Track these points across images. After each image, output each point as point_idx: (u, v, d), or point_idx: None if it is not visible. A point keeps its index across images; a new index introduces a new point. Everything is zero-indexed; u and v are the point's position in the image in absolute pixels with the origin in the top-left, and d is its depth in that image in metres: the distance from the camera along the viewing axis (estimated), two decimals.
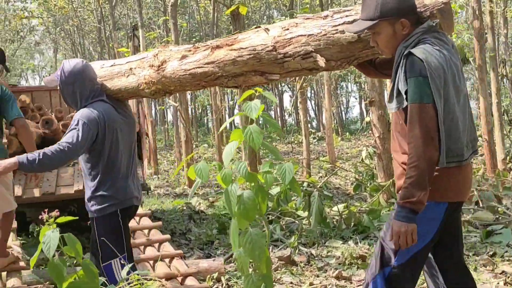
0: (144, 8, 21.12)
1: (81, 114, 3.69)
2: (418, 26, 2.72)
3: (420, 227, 2.65)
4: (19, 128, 4.71)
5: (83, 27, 28.89)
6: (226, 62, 3.37)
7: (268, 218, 7.53)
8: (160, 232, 5.45)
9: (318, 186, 8.25)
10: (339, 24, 2.97)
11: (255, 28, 3.37)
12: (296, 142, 23.76)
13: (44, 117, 7.37)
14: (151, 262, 4.79)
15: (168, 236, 5.32)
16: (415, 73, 2.59)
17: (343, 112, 42.15)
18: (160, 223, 5.64)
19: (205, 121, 43.86)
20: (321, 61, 3.00)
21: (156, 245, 5.10)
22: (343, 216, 7.12)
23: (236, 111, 40.61)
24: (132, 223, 5.59)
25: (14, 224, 5.35)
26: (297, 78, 12.94)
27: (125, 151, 3.87)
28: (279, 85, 37.30)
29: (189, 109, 23.79)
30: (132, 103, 7.79)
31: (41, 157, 3.51)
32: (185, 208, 9.20)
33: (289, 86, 35.22)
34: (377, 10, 2.71)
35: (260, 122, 4.02)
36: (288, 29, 3.17)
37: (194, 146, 19.14)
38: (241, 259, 2.39)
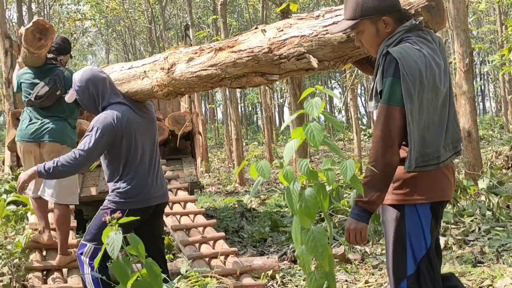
0: (193, 8, 21.29)
1: (97, 120, 3.81)
2: (402, 23, 2.66)
3: (415, 231, 2.65)
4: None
5: (134, 28, 29.33)
6: (228, 64, 3.43)
7: (320, 215, 7.49)
8: (215, 229, 5.48)
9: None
10: (329, 24, 2.96)
11: (254, 29, 3.38)
12: (346, 139, 23.56)
13: None
14: (207, 259, 4.83)
15: (222, 233, 5.34)
16: (390, 73, 2.55)
17: None
18: (214, 221, 5.66)
19: (255, 119, 43.96)
20: (314, 62, 3.00)
21: (211, 242, 5.14)
22: None
23: (285, 109, 40.59)
24: (187, 221, 5.65)
25: (74, 223, 5.47)
26: (347, 75, 12.87)
27: (145, 151, 3.96)
28: (328, 82, 37.10)
29: (239, 107, 23.92)
30: (184, 101, 7.88)
31: (56, 165, 3.70)
32: (236, 206, 9.24)
33: (339, 83, 34.97)
34: (358, 9, 2.68)
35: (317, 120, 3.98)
36: (282, 30, 3.18)
37: (244, 144, 19.21)
38: (303, 257, 2.38)
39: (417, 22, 2.63)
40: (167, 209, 5.30)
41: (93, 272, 3.70)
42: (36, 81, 5.03)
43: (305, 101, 2.49)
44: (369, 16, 2.66)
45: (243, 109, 31.48)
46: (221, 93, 21.04)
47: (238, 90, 22.47)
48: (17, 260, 4.83)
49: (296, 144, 2.40)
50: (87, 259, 3.81)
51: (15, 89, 5.42)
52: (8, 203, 5.20)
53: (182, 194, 6.09)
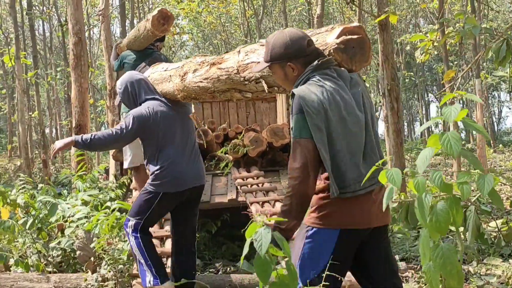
0: (289, 21, 21.42)
1: (134, 111, 4.46)
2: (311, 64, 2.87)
3: (314, 251, 2.81)
4: None
5: (230, 41, 29.83)
6: (214, 79, 3.82)
7: (418, 231, 7.30)
8: None
9: (472, 200, 7.86)
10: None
11: (238, 50, 3.63)
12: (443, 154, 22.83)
13: (200, 128, 7.67)
14: None
15: None
16: (295, 110, 2.75)
17: (495, 123, 40.04)
18: None
19: None
20: (265, 87, 3.29)
21: None
22: (501, 232, 6.72)
23: (380, 121, 39.91)
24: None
25: None
26: (447, 89, 12.49)
27: (178, 140, 4.47)
28: (425, 95, 36.24)
29: None
30: (283, 114, 7.91)
31: (93, 137, 4.30)
32: None
33: (436, 97, 34.08)
34: (269, 54, 2.97)
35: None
36: (247, 54, 3.44)
37: None
38: (430, 274, 2.28)
39: (320, 62, 2.83)
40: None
41: (134, 240, 4.40)
42: (138, 62, 5.75)
43: (444, 107, 2.40)
44: (276, 61, 2.95)
45: None
46: None
47: None
48: (121, 266, 4.99)
49: (431, 153, 2.31)
50: (130, 230, 4.44)
51: (115, 68, 6.41)
52: (112, 211, 5.41)
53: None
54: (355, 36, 2.85)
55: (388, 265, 3.03)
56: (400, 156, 8.83)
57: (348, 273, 3.06)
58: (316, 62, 2.84)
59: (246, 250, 2.34)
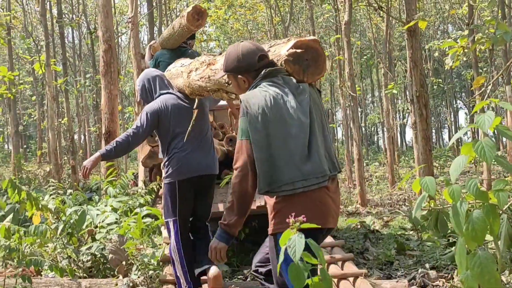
0: (316, 28, 21.39)
1: (147, 106, 4.78)
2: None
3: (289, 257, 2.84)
4: None
5: None
6: (207, 79, 4.05)
7: (449, 240, 7.22)
8: (342, 250, 5.41)
9: (504, 208, 7.75)
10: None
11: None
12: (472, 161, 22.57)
13: (228, 135, 7.68)
14: (335, 280, 4.77)
15: (351, 254, 5.27)
16: (240, 113, 3.00)
17: None
18: (342, 241, 5.61)
19: (375, 139, 43.29)
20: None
21: (339, 263, 5.08)
22: None
23: (407, 128, 39.66)
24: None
25: None
26: (477, 96, 12.35)
27: (194, 131, 4.67)
28: (454, 102, 35.87)
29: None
30: None
31: (116, 145, 4.61)
32: (359, 226, 9.09)
33: (465, 103, 33.72)
34: (225, 65, 3.28)
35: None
36: (202, 62, 3.90)
37: (364, 164, 18.93)
38: (467, 283, 2.26)
39: (267, 71, 3.08)
40: None
41: (174, 241, 4.61)
42: (173, 60, 5.76)
43: (477, 115, 2.38)
44: (230, 72, 3.25)
45: (363, 129, 31.08)
46: (342, 112, 20.90)
47: (359, 109, 22.25)
48: (152, 271, 5.02)
49: (465, 161, 2.29)
50: (173, 232, 4.66)
51: (151, 67, 6.43)
52: (142, 217, 5.46)
53: None
54: (299, 50, 3.07)
55: None
56: (429, 163, 8.75)
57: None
58: (263, 71, 3.09)
59: (281, 257, 2.34)
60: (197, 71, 4.31)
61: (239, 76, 3.19)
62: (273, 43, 3.31)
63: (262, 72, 3.09)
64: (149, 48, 7.13)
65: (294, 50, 3.07)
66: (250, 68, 3.15)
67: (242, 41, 3.31)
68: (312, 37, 3.17)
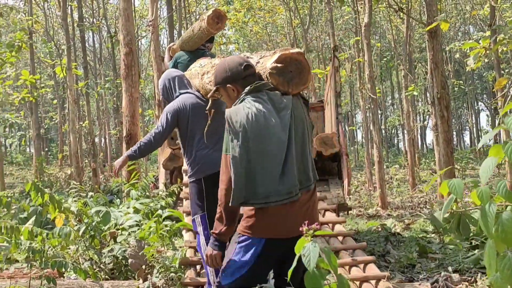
0: (335, 30, 21.34)
1: (167, 107, 4.94)
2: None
3: (238, 256, 3.16)
4: None
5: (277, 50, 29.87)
6: (212, 81, 4.07)
7: (471, 243, 7.16)
8: (364, 252, 5.38)
9: None
10: None
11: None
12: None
13: None
14: (358, 283, 4.75)
15: (373, 257, 5.24)
16: (226, 129, 3.19)
17: None
18: (364, 244, 5.58)
19: (395, 141, 43.06)
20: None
21: (361, 265, 5.05)
22: None
23: (428, 131, 39.40)
24: (336, 243, 5.60)
25: None
26: (498, 96, 12.25)
27: (209, 131, 4.67)
28: (475, 104, 35.57)
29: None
30: (331, 123, 7.87)
31: (141, 145, 4.87)
32: (380, 229, 9.03)
33: (486, 105, 33.42)
34: (214, 81, 3.50)
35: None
36: (213, 65, 4.05)
37: (384, 167, 18.83)
38: (497, 285, 2.23)
39: (253, 87, 3.24)
40: None
41: (203, 237, 4.64)
42: (191, 62, 5.82)
43: (506, 116, 2.35)
44: (219, 85, 3.45)
45: (383, 132, 30.92)
46: (362, 114, 20.81)
47: (379, 111, 22.12)
48: (173, 274, 5.03)
49: (494, 163, 2.25)
50: (201, 228, 4.72)
51: (170, 67, 6.67)
52: (164, 219, 5.47)
53: (330, 216, 6.06)
54: (280, 65, 3.20)
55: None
56: (451, 165, 8.68)
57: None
58: (249, 87, 3.26)
59: (294, 264, 2.34)
60: (208, 74, 4.40)
61: (228, 85, 3.38)
62: (262, 55, 3.46)
63: (248, 88, 3.26)
64: (168, 50, 7.27)
65: (276, 64, 3.23)
66: (237, 76, 3.35)
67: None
68: (296, 50, 3.32)
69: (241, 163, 3.10)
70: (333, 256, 2.37)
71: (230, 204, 3.10)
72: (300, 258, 2.80)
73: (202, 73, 4.59)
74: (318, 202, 3.43)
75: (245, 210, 3.20)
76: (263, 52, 3.54)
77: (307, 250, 2.28)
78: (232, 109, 3.22)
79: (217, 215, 3.20)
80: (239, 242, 3.18)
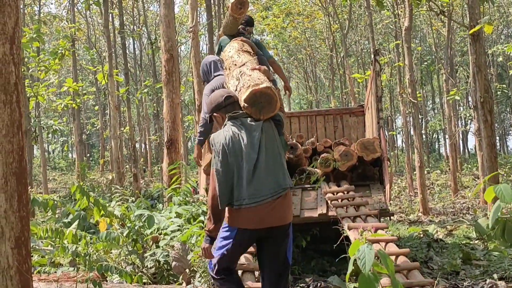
0: (375, 34, 21.19)
1: (205, 88, 5.80)
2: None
3: (222, 237, 4.15)
4: (273, 65, 6.87)
5: (315, 56, 29.83)
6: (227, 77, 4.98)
7: None
8: (407, 259, 5.31)
9: None
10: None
11: None
12: None
13: (289, 142, 7.67)
14: None
15: (417, 263, 5.15)
16: (212, 147, 4.18)
17: None
18: (408, 250, 5.49)
19: (436, 146, 42.47)
20: None
21: (404, 272, 4.98)
22: None
23: (469, 136, 38.75)
24: (379, 249, 5.53)
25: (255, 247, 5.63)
26: None
27: None
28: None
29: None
30: (372, 128, 7.82)
31: (200, 134, 5.81)
32: (422, 235, 8.91)
33: None
34: (206, 111, 4.73)
35: None
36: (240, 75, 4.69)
37: (425, 172, 18.57)
38: None
39: (231, 115, 4.20)
40: (357, 236, 5.24)
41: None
42: None
43: None
44: (210, 113, 4.43)
45: (424, 136, 30.52)
46: (402, 119, 20.61)
47: (419, 116, 21.86)
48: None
49: None
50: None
51: (216, 52, 7.16)
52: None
53: (372, 221, 6.00)
54: (246, 105, 4.13)
55: (275, 262, 4.16)
56: (495, 171, 8.52)
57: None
58: (228, 115, 4.21)
59: (350, 267, 2.32)
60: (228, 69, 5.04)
61: (215, 114, 4.35)
62: (240, 87, 4.36)
63: (228, 116, 4.22)
64: (218, 36, 8.04)
65: (245, 104, 4.15)
66: (219, 107, 4.32)
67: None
68: (265, 85, 4.18)
69: (222, 175, 4.04)
70: (390, 259, 2.35)
71: (219, 207, 4.02)
72: (282, 243, 4.14)
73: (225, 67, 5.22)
74: (290, 202, 4.25)
75: (227, 209, 4.09)
76: (242, 84, 4.36)
77: (362, 252, 2.27)
78: (215, 134, 4.21)
79: (207, 216, 4.18)
80: (223, 228, 4.16)
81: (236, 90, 4.43)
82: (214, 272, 4.22)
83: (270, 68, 6.54)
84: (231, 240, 4.11)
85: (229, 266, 4.23)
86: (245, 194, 3.99)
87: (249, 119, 4.17)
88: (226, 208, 4.08)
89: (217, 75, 5.72)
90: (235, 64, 4.92)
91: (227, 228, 4.13)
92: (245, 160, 4.03)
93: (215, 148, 4.07)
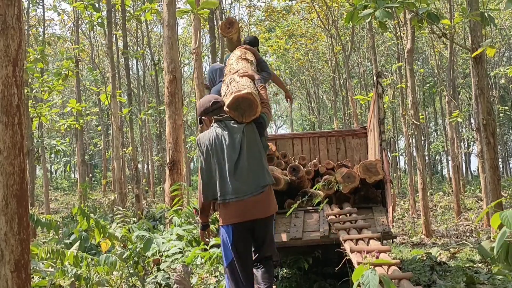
0: (377, 56, 21.26)
1: (212, 90, 6.10)
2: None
3: (223, 242, 4.76)
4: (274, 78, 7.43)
5: (317, 77, 29.92)
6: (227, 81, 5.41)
7: None
8: (410, 282, 5.25)
9: None
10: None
11: None
12: None
13: (291, 164, 7.66)
14: None
15: (420, 287, 5.10)
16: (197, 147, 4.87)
17: None
18: (410, 273, 5.43)
19: (439, 168, 42.39)
20: None
21: None
22: None
23: (472, 158, 38.68)
24: (381, 272, 5.48)
25: None
26: None
27: None
28: None
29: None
30: (375, 150, 7.80)
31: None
32: (425, 258, 8.85)
33: None
34: (197, 114, 5.09)
35: None
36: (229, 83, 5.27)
37: (428, 194, 18.51)
38: None
39: (217, 119, 4.81)
40: (359, 259, 5.21)
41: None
42: None
43: None
44: (199, 116, 5.02)
45: (427, 158, 30.47)
46: (405, 140, 20.60)
47: (422, 137, 21.87)
48: None
49: None
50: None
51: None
52: (211, 247, 5.49)
53: (375, 244, 5.95)
54: (228, 109, 4.75)
55: (262, 245, 4.88)
56: (498, 193, 8.49)
57: None
58: (214, 118, 4.80)
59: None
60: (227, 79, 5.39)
61: (203, 117, 4.95)
62: (227, 92, 4.88)
63: (214, 118, 4.81)
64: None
65: (228, 109, 4.75)
66: (207, 111, 4.92)
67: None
68: (246, 91, 4.70)
69: (205, 172, 4.67)
70: (393, 285, 2.33)
71: (203, 201, 4.74)
72: (268, 230, 4.89)
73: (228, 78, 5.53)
74: (272, 197, 4.85)
75: (219, 208, 4.70)
76: (229, 90, 4.89)
77: (367, 278, 2.25)
78: (201, 135, 4.80)
79: (198, 209, 5.05)
80: (221, 235, 4.74)
81: (224, 95, 4.95)
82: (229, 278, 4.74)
83: (272, 73, 6.85)
84: (230, 239, 4.66)
85: (243, 268, 4.70)
86: (229, 189, 4.59)
87: (232, 121, 4.74)
88: (218, 207, 4.76)
89: (221, 81, 6.01)
90: (230, 71, 5.44)
91: (223, 231, 4.71)
92: (226, 159, 4.62)
93: (200, 148, 4.72)
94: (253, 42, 7.23)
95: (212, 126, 4.78)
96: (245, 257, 4.73)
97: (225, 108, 4.77)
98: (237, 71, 5.30)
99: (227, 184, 4.57)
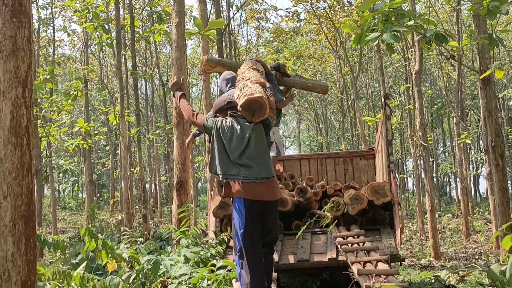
0: (385, 77, 21.28)
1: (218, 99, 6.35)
2: None
3: (235, 221, 5.23)
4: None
5: (325, 98, 29.96)
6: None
7: None
8: None
9: None
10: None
11: None
12: None
13: (299, 185, 7.65)
14: None
15: None
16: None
17: None
18: None
19: (447, 189, 42.18)
20: None
21: None
22: None
23: (481, 179, 38.50)
24: None
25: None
26: None
27: None
28: None
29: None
30: (383, 172, 7.78)
31: (195, 130, 7.26)
32: (433, 281, 8.78)
33: None
34: (212, 111, 5.73)
35: None
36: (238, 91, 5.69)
37: (437, 215, 18.38)
38: None
39: (230, 115, 5.40)
40: (367, 282, 5.18)
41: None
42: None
43: None
44: (215, 113, 5.56)
45: (435, 180, 30.34)
46: (413, 162, 20.53)
47: (430, 159, 21.80)
48: None
49: None
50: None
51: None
52: (218, 268, 5.46)
53: (383, 267, 5.92)
54: (241, 109, 5.28)
55: (270, 229, 5.33)
56: (507, 216, 8.43)
57: None
58: (229, 113, 5.41)
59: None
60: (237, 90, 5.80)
61: (217, 114, 5.52)
62: (240, 95, 5.34)
63: (229, 113, 5.40)
64: None
65: (240, 109, 5.30)
66: (222, 109, 5.52)
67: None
68: (257, 95, 5.23)
69: (212, 150, 5.31)
70: None
71: (186, 116, 5.83)
72: (276, 214, 5.40)
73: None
74: (277, 184, 5.46)
75: (224, 184, 5.32)
76: (242, 92, 5.34)
77: None
78: (218, 119, 5.40)
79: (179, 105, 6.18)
80: (234, 209, 5.22)
81: (237, 97, 5.39)
82: (240, 255, 5.14)
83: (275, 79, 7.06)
84: (243, 213, 5.11)
85: (253, 244, 5.11)
86: (235, 171, 5.19)
87: (243, 119, 5.34)
88: (224, 184, 5.30)
89: (229, 89, 6.38)
90: (243, 78, 5.81)
91: (236, 204, 5.18)
92: (234, 147, 5.23)
93: (215, 129, 5.32)
94: (277, 68, 7.35)
95: (227, 118, 5.39)
96: (256, 234, 5.15)
97: (238, 107, 5.32)
98: (249, 78, 5.73)
99: (228, 165, 5.24)
